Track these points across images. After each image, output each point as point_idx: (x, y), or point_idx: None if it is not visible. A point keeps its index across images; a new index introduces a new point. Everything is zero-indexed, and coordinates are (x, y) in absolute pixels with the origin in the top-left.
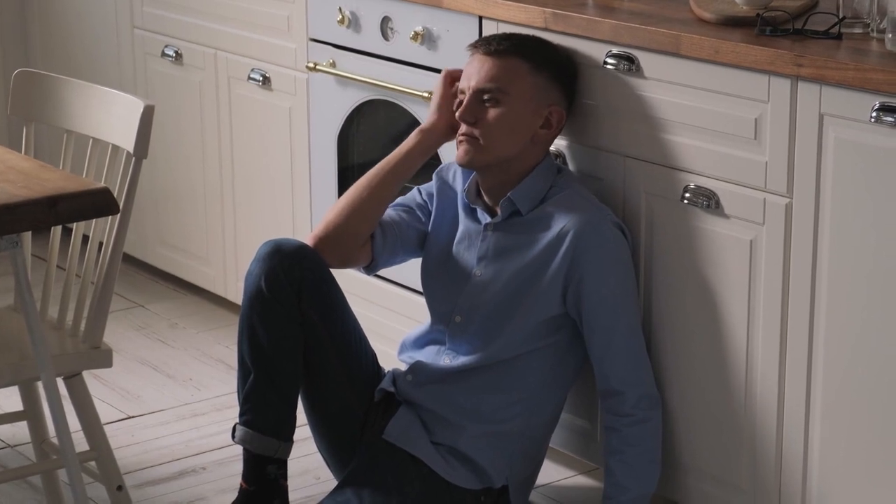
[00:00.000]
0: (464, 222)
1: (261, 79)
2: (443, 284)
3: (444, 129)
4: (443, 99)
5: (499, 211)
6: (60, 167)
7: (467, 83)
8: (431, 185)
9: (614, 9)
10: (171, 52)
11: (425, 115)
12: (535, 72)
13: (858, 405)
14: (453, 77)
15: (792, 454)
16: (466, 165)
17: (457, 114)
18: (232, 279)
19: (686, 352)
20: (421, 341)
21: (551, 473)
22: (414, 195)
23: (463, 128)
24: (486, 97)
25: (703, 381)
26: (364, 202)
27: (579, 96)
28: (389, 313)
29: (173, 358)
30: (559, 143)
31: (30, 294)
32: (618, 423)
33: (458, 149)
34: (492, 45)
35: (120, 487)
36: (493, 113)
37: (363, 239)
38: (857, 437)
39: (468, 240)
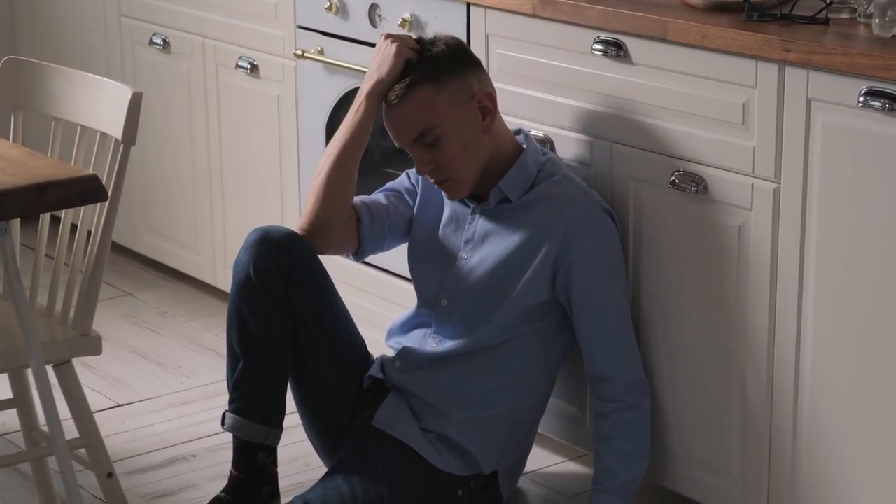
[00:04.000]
0: (450, 205)
1: (249, 66)
2: (429, 267)
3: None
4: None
5: (490, 198)
6: (48, 154)
7: (399, 143)
8: None
9: None
10: (158, 40)
11: None
12: (440, 86)
13: (848, 391)
14: (388, 36)
15: (782, 441)
16: (459, 198)
17: (415, 171)
18: (221, 267)
19: (675, 338)
20: (407, 326)
21: (540, 459)
22: (402, 179)
23: (430, 178)
24: (423, 141)
25: (692, 367)
26: (338, 186)
27: (571, 85)
28: (378, 300)
29: (163, 346)
30: (547, 130)
31: (19, 281)
32: (607, 408)
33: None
34: (392, 95)
35: (110, 475)
36: (440, 150)
37: (345, 219)
38: (846, 423)
39: (455, 223)
